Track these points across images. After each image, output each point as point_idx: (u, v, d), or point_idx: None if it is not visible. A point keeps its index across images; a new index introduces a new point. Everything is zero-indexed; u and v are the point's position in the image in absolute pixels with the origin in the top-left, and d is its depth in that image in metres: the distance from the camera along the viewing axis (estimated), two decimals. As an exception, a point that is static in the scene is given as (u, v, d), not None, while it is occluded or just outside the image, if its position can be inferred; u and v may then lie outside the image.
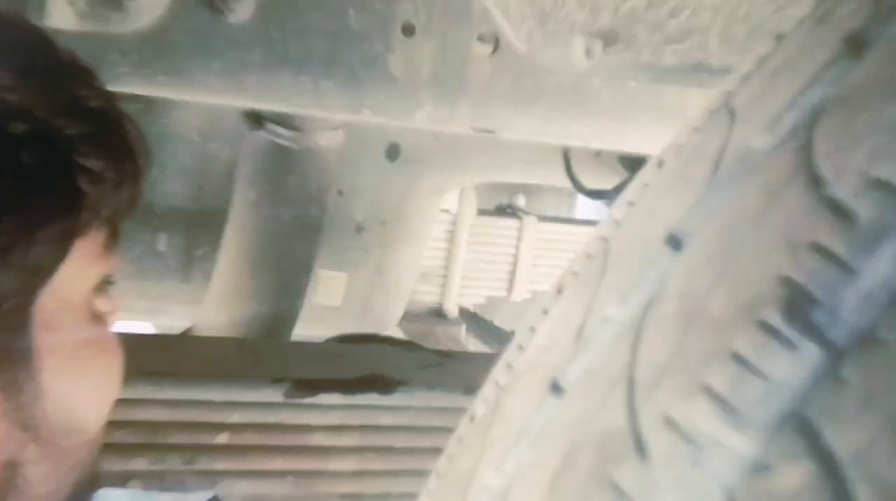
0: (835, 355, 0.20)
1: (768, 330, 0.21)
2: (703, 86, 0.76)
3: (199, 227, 1.36)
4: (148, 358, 0.78)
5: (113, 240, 0.46)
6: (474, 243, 2.41)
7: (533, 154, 1.58)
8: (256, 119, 1.07)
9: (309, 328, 1.36)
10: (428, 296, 2.41)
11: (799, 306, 0.21)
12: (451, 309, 2.44)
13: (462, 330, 2.35)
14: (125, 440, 0.72)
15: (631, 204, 0.34)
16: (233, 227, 1.15)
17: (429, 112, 0.91)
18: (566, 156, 1.51)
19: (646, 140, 1.04)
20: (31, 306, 0.41)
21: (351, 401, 0.83)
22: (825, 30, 0.29)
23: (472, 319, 2.42)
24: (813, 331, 0.20)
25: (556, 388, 0.28)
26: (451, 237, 2.37)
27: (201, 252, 1.37)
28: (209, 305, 1.18)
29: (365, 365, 0.98)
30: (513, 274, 2.50)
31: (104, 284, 0.46)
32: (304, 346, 1.10)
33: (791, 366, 0.20)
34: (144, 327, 1.45)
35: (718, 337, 0.22)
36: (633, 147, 1.02)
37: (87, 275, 0.45)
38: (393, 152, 1.43)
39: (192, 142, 1.32)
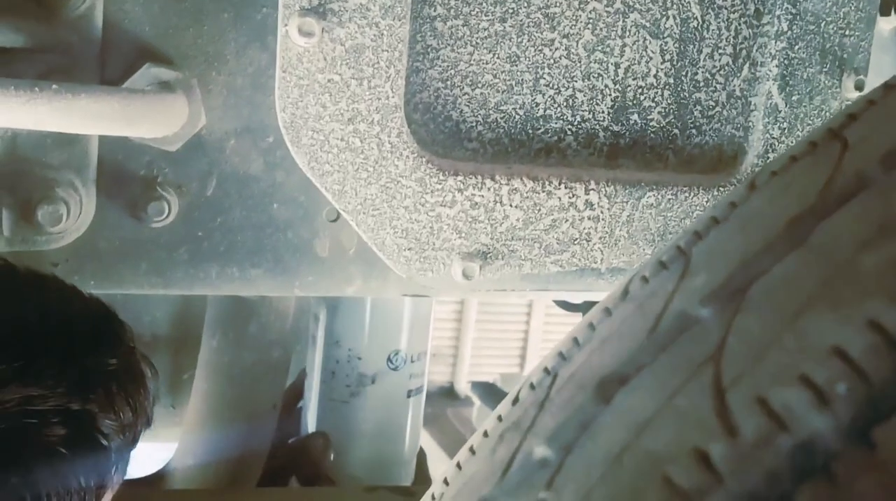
0: None
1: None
2: (591, 289, 0.79)
3: (184, 352, 1.43)
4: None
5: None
6: (483, 321, 2.44)
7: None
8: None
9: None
10: (439, 376, 2.44)
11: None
12: (463, 388, 2.47)
13: (474, 410, 2.37)
14: None
15: (577, 342, 0.37)
16: (200, 370, 1.21)
17: (359, 285, 0.95)
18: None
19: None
20: None
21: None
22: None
23: (487, 392, 2.44)
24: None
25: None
26: (460, 316, 2.40)
27: (187, 376, 1.43)
28: (183, 442, 1.24)
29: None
30: (524, 349, 2.52)
31: None
32: (264, 495, 1.16)
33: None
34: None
35: None
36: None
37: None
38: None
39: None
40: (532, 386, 0.38)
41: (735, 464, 0.21)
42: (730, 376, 0.23)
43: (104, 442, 0.61)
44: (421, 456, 1.21)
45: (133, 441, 0.67)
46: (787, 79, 0.80)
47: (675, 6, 0.78)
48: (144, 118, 0.68)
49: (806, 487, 0.19)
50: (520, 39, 0.74)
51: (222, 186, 0.87)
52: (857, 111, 0.35)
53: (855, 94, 0.80)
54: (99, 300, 0.71)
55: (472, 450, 0.39)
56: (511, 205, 0.74)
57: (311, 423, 1.18)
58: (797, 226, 0.28)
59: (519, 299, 2.09)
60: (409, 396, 1.14)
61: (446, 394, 2.43)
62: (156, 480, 1.21)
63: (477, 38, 0.73)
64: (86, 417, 0.59)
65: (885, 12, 0.94)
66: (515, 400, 0.38)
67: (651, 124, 0.80)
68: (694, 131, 0.81)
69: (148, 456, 1.41)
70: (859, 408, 0.20)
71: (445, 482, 0.38)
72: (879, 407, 0.19)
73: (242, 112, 0.84)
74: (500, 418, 0.38)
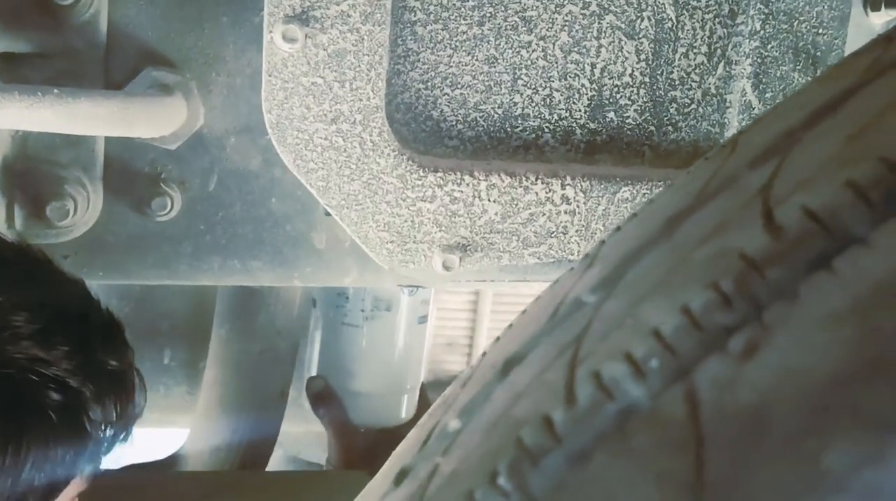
0: None
1: (494, 485, 0.28)
2: (568, 280, 0.82)
3: (200, 342, 1.48)
4: None
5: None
6: (498, 312, 2.46)
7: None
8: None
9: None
10: (454, 366, 2.48)
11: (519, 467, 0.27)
12: (478, 378, 2.49)
13: (488, 399, 2.40)
14: None
15: (510, 326, 0.41)
16: (210, 359, 1.26)
17: (355, 276, 1.00)
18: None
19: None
20: None
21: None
22: None
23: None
24: (523, 488, 0.27)
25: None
26: (475, 307, 2.43)
27: (203, 364, 1.49)
28: (194, 427, 1.29)
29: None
30: (539, 340, 2.54)
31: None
32: (272, 478, 1.20)
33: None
34: (153, 435, 1.57)
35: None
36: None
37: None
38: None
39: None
40: (471, 368, 0.42)
41: (571, 427, 0.25)
42: (583, 354, 0.27)
43: (87, 427, 0.65)
44: (423, 388, 1.22)
45: (108, 444, 0.70)
46: (761, 77, 0.83)
47: (649, 8, 0.81)
48: (143, 120, 0.73)
49: (603, 443, 0.23)
50: (498, 42, 0.78)
51: (223, 182, 0.92)
52: (761, 116, 0.39)
53: (826, 91, 0.82)
54: (112, 312, 0.77)
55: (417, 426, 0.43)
56: (489, 200, 0.78)
57: (315, 351, 1.19)
58: (672, 222, 0.32)
59: (534, 289, 2.11)
60: (418, 323, 1.16)
61: (461, 384, 2.45)
62: (168, 463, 1.27)
63: (456, 42, 0.77)
64: (79, 397, 0.64)
65: (875, 7, 0.96)
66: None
67: (627, 121, 0.83)
68: (670, 128, 0.84)
69: (163, 441, 1.47)
70: (666, 379, 0.23)
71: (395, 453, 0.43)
72: (681, 378, 0.23)
73: (241, 111, 0.88)
74: (443, 398, 0.42)
